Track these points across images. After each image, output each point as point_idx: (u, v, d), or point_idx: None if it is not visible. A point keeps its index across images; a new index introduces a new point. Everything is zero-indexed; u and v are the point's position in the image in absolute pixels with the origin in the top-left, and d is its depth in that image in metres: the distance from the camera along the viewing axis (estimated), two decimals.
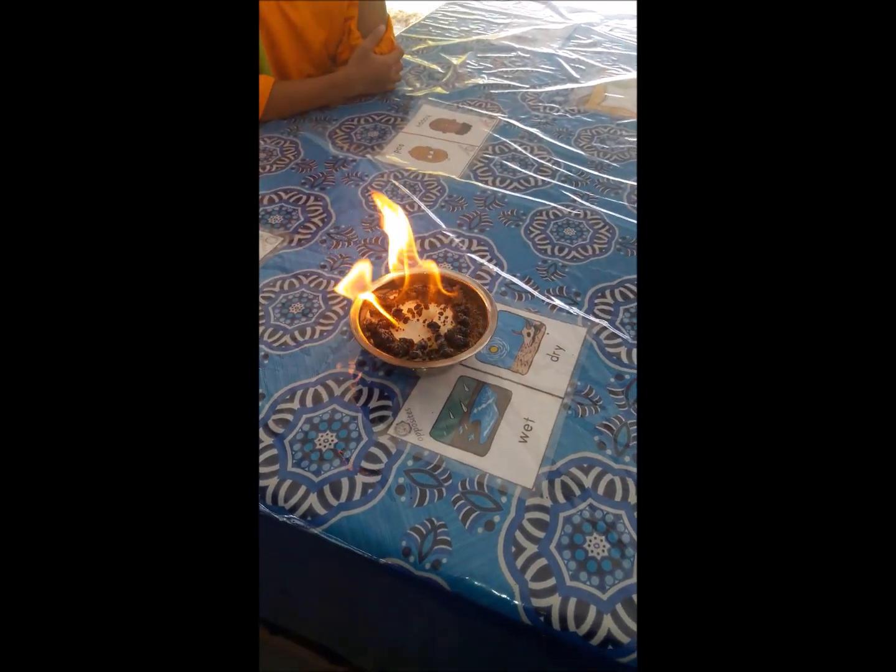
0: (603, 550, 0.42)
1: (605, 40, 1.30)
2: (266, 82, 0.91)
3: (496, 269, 0.67)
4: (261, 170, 0.81)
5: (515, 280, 0.65)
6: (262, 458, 0.46)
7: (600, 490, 0.46)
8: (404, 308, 0.56)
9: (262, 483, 0.45)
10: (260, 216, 0.72)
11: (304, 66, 1.06)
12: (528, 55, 1.21)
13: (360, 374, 0.54)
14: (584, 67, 1.16)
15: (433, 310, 0.56)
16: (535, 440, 0.48)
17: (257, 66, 0.89)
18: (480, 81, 1.09)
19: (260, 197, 0.76)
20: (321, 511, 0.44)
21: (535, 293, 0.63)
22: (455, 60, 1.18)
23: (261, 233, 0.70)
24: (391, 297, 0.57)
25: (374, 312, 0.54)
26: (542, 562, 0.42)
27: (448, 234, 0.72)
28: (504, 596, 0.40)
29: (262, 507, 0.44)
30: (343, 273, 0.65)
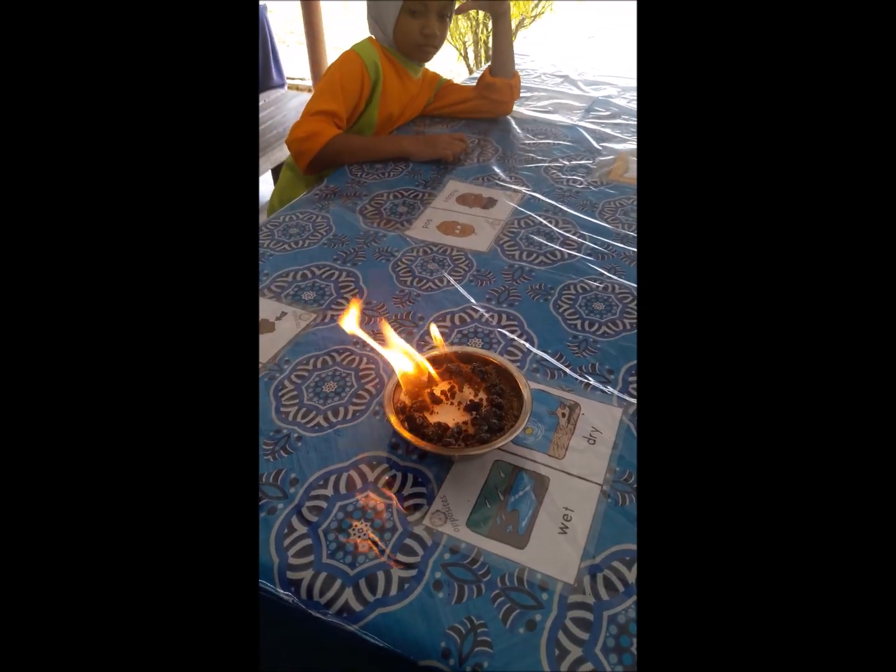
0: None
1: (624, 112, 1.34)
2: (329, 132, 1.04)
3: (527, 344, 0.67)
4: (294, 245, 0.84)
5: (547, 356, 0.65)
6: (296, 548, 0.46)
7: None
8: (437, 390, 0.56)
9: (296, 576, 0.44)
10: (293, 292, 0.74)
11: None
12: (549, 127, 1.25)
13: (393, 458, 0.53)
14: (605, 139, 1.19)
15: (467, 391, 0.56)
16: (574, 531, 0.47)
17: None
18: (505, 155, 1.12)
19: (294, 273, 0.78)
20: (357, 607, 0.42)
21: (568, 370, 0.63)
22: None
23: (294, 309, 0.71)
24: (423, 377, 0.57)
25: (409, 394, 0.54)
26: (588, 666, 0.40)
27: (478, 308, 0.72)
28: None
29: (296, 601, 0.43)
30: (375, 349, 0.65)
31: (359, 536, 0.47)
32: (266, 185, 2.33)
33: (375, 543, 0.46)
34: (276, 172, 2.11)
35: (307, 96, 2.48)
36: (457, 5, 1.15)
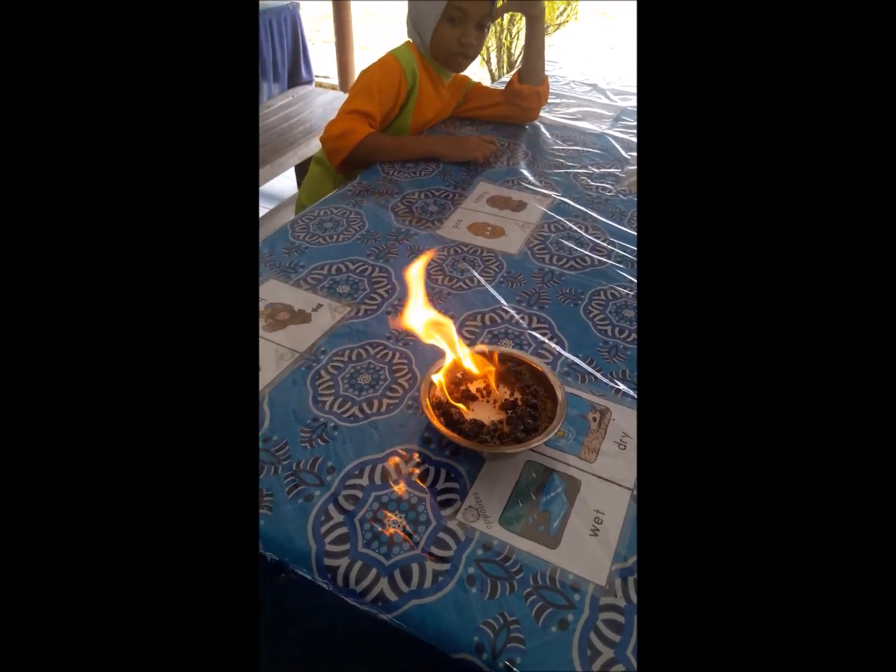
0: None
1: None
2: (364, 130, 1.04)
3: (557, 347, 0.67)
4: (328, 239, 0.84)
5: (578, 361, 0.65)
6: (332, 536, 0.46)
7: None
8: (472, 387, 0.56)
9: (333, 563, 0.45)
10: (329, 285, 0.75)
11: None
12: (578, 134, 1.26)
13: (426, 453, 0.54)
14: (633, 149, 1.20)
15: (502, 390, 0.56)
16: (605, 534, 0.47)
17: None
18: (535, 160, 1.13)
19: (329, 266, 0.79)
20: (392, 597, 0.43)
21: (599, 375, 0.63)
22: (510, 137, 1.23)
23: (329, 301, 0.72)
24: (458, 374, 0.58)
25: (444, 389, 0.55)
26: (620, 668, 0.40)
27: (508, 310, 0.73)
28: None
29: (332, 588, 0.44)
30: (407, 345, 0.66)
31: (393, 527, 0.47)
32: (289, 181, 2.35)
33: (410, 536, 0.47)
34: (299, 168, 2.13)
35: (333, 94, 2.50)
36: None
